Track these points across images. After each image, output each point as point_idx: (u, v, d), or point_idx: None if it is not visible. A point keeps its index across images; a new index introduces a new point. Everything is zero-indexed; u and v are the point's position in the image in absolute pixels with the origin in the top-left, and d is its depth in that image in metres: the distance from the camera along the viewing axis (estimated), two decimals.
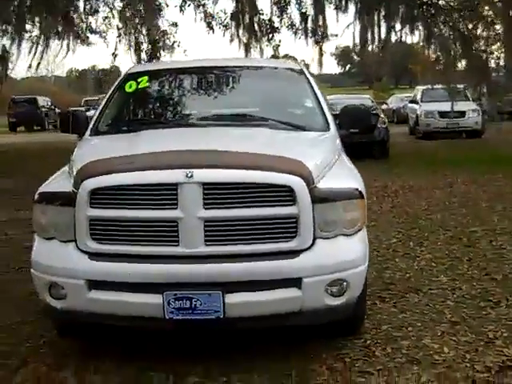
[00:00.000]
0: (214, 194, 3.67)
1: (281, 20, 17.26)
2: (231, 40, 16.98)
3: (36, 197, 4.05)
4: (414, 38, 17.08)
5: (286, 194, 3.71)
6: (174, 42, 20.87)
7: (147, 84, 5.40)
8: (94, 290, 3.75)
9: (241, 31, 16.69)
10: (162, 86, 5.58)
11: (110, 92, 5.34)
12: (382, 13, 15.09)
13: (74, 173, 3.95)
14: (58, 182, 4.15)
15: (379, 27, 15.47)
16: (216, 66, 5.80)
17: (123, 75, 5.55)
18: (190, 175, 3.63)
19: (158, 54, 20.19)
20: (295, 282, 3.73)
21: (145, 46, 19.79)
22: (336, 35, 18.19)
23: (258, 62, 6.62)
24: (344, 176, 4.16)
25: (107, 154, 4.07)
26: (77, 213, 3.79)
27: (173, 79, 5.63)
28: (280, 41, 18.00)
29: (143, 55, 19.42)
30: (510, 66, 16.24)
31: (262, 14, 17.04)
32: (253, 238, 3.72)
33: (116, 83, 5.48)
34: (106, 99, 5.30)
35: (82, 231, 3.78)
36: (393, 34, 16.31)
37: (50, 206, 3.94)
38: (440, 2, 15.73)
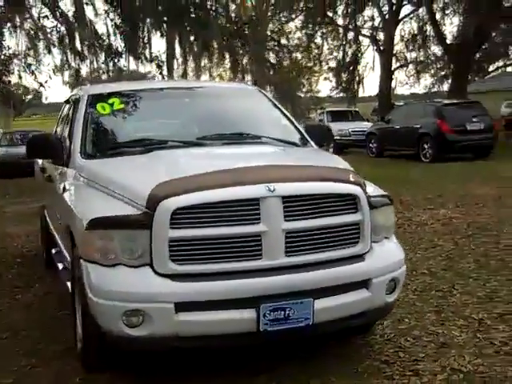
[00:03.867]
0: (293, 205, 3.81)
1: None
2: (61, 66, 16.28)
3: (89, 224, 3.79)
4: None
5: (352, 202, 4.00)
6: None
7: (122, 106, 5.23)
8: (182, 312, 3.64)
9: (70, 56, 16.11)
10: (139, 107, 5.40)
11: (83, 114, 5.07)
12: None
13: (141, 194, 3.77)
14: (110, 206, 3.91)
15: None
16: (181, 87, 5.80)
17: (86, 97, 5.29)
18: (272, 189, 3.74)
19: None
20: (365, 284, 4.01)
21: None
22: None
23: (218, 83, 6.66)
24: (370, 184, 4.53)
25: (166, 174, 3.95)
26: (155, 235, 3.66)
27: (144, 100, 5.48)
28: (125, 66, 17.80)
29: None
30: None
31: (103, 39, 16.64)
32: (325, 245, 3.93)
33: (80, 105, 5.22)
34: (80, 122, 5.02)
35: (161, 253, 3.66)
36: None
37: (115, 231, 3.73)
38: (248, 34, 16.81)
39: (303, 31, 27.87)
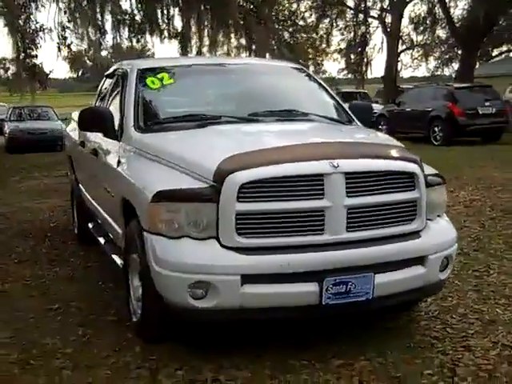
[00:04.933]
0: (355, 182, 3.88)
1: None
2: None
3: (155, 196, 3.85)
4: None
5: (410, 180, 4.07)
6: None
7: (171, 80, 5.26)
8: (248, 284, 3.72)
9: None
10: (188, 83, 5.44)
11: (133, 88, 5.11)
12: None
13: (208, 168, 3.82)
14: (174, 179, 3.97)
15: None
16: (227, 64, 5.85)
17: (136, 71, 5.32)
18: (336, 165, 3.81)
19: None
20: (421, 260, 4.09)
21: None
22: None
23: (263, 60, 6.71)
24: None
25: (232, 148, 4.01)
26: (222, 208, 3.72)
27: (193, 76, 5.53)
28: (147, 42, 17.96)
29: None
30: None
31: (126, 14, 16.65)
32: (385, 222, 4.00)
33: (129, 79, 5.25)
34: (131, 96, 5.05)
35: (228, 226, 3.72)
36: None
37: (182, 203, 3.80)
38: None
39: (312, 12, 27.85)
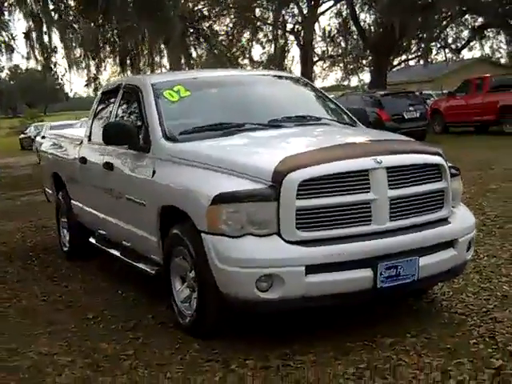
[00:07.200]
0: (395, 175, 4.27)
1: None
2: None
3: (216, 198, 4.10)
4: None
5: (438, 172, 4.50)
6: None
7: (188, 93, 5.47)
8: (311, 274, 4.02)
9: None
10: (203, 94, 5.65)
11: (153, 101, 5.29)
12: None
13: (266, 169, 4.10)
14: (228, 182, 4.21)
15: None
16: (234, 75, 6.15)
17: (149, 85, 5.51)
18: (379, 161, 4.19)
19: None
20: (452, 243, 4.52)
21: None
22: None
23: (266, 71, 7.01)
24: None
25: (284, 150, 4.34)
26: (282, 206, 4.03)
27: (206, 88, 5.75)
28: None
29: None
30: None
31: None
32: (420, 210, 4.41)
33: (145, 93, 5.44)
34: (153, 109, 5.24)
35: (289, 222, 4.03)
36: None
37: (244, 204, 4.06)
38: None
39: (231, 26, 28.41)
